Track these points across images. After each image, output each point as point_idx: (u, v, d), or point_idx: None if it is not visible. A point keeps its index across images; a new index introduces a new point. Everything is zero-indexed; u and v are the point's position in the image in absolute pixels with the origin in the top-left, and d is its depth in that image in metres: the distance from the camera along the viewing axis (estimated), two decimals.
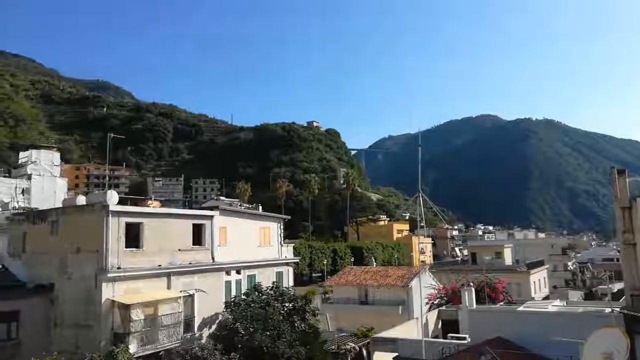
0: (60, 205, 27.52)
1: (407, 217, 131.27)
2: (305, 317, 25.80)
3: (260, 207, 49.80)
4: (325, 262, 74.90)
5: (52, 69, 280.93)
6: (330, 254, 79.48)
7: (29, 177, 70.81)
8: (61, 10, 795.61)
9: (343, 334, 32.39)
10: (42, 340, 21.80)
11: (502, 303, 26.14)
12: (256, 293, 26.95)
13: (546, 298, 46.99)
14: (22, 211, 35.18)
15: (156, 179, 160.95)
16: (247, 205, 71.11)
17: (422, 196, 22.86)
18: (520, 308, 20.42)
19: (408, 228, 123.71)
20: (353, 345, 29.41)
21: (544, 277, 57.25)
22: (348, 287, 42.09)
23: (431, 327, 26.12)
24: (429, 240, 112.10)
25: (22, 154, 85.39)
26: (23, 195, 66.36)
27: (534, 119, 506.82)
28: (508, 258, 56.08)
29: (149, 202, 41.37)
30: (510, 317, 18.93)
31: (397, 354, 20.49)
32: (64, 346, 21.33)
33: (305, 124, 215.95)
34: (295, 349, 21.67)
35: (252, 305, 25.03)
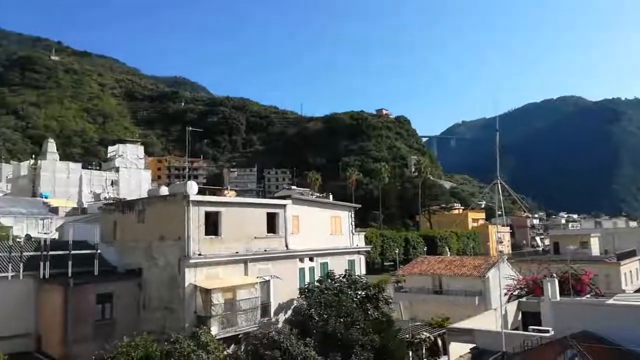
0: (146, 196, 29.31)
1: (483, 206, 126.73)
2: (378, 305, 25.77)
3: (331, 196, 50.21)
4: (397, 251, 74.25)
5: (134, 68, 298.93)
6: (402, 242, 78.63)
7: (117, 170, 76.51)
8: (141, 12, 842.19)
9: (417, 324, 32.04)
10: (132, 320, 23.49)
11: (588, 295, 24.57)
12: (329, 280, 27.29)
13: (639, 291, 43.55)
14: (112, 201, 37.87)
15: (231, 169, 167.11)
16: (318, 195, 72.00)
17: (500, 183, 21.89)
18: (610, 301, 19.04)
19: (484, 217, 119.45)
20: (428, 334, 29.01)
21: (637, 269, 53.04)
22: (421, 277, 41.50)
23: (510, 318, 25.10)
24: (507, 229, 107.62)
25: (110, 149, 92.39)
26: (112, 186, 71.79)
27: (623, 98, 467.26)
28: (595, 248, 52.52)
29: (225, 192, 43.25)
30: (598, 311, 17.70)
31: (474, 345, 19.93)
32: (152, 327, 22.82)
33: (374, 112, 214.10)
34: (368, 337, 21.73)
35: (326, 292, 25.37)
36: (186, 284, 22.46)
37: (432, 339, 28.88)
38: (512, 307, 26.07)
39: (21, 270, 22.28)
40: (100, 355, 17.77)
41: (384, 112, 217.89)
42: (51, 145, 72.89)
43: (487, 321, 23.13)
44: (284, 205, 28.41)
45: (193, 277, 22.78)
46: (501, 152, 23.62)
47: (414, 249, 78.52)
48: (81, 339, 21.69)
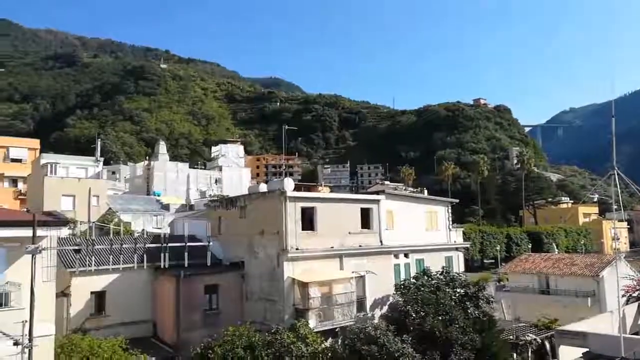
0: (246, 193, 30.75)
1: (595, 199, 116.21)
2: (478, 304, 24.79)
3: (426, 191, 49.11)
4: (498, 248, 70.65)
5: (233, 71, 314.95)
6: (504, 239, 74.62)
7: (220, 169, 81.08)
8: (237, 18, 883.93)
9: (521, 324, 30.31)
10: (236, 310, 24.87)
11: None
12: (425, 277, 26.74)
13: None
14: (216, 198, 40.19)
15: (325, 166, 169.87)
16: (412, 190, 70.69)
17: (616, 174, 19.93)
18: None
19: (597, 211, 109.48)
20: (534, 336, 27.32)
21: None
22: (526, 275, 39.10)
23: (629, 322, 22.86)
24: (625, 224, 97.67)
25: (213, 149, 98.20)
26: (216, 184, 76.31)
27: None
28: None
29: (320, 188, 43.94)
30: None
31: (587, 349, 18.43)
32: (254, 317, 23.98)
33: (471, 102, 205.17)
34: (469, 336, 20.96)
35: (422, 289, 24.91)
36: (285, 277, 23.27)
37: (539, 341, 27.13)
38: (632, 309, 23.73)
39: (145, 262, 24.46)
40: (209, 342, 19.02)
41: (482, 101, 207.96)
42: (162, 147, 79.08)
43: (601, 324, 21.32)
44: (378, 201, 28.30)
45: (291, 270, 23.54)
46: (617, 139, 21.51)
47: (517, 246, 74.14)
48: (191, 326, 23.39)
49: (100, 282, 23.58)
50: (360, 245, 26.55)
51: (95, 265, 23.08)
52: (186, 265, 24.53)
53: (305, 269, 24.00)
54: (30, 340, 11.31)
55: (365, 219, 27.42)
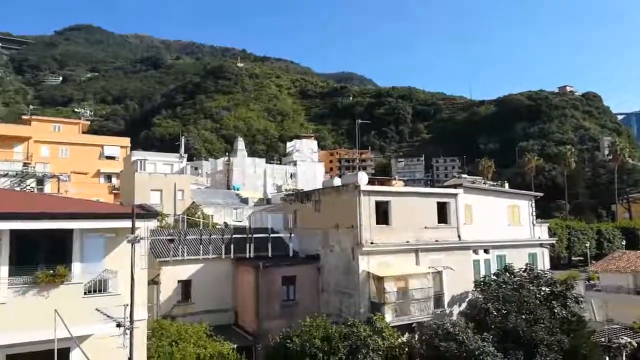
0: (320, 187, 31.16)
1: None
2: (566, 303, 23.42)
3: (507, 184, 46.89)
4: (587, 245, 66.04)
5: (307, 67, 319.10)
6: (594, 235, 69.56)
7: (295, 163, 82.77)
8: (308, 13, 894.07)
9: (614, 326, 28.21)
10: (312, 302, 25.33)
11: None
12: (507, 274, 25.69)
13: None
14: (292, 192, 41.09)
15: (398, 159, 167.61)
16: (492, 183, 67.77)
17: None
18: None
19: None
20: (628, 339, 25.33)
21: None
22: (619, 274, 36.30)
23: None
24: None
25: (288, 144, 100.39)
26: (291, 178, 78.01)
27: None
28: None
29: (393, 182, 43.50)
30: None
31: None
32: (330, 309, 24.31)
33: (556, 90, 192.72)
34: (555, 337, 19.89)
35: (504, 286, 23.95)
36: (360, 271, 23.35)
37: (635, 345, 25.11)
38: None
39: (231, 252, 25.53)
40: (287, 332, 19.56)
41: (568, 89, 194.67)
42: (240, 144, 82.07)
43: None
44: (455, 195, 27.52)
45: (366, 264, 23.57)
46: None
47: (609, 243, 68.85)
48: (270, 316, 24.17)
49: (186, 271, 25.03)
50: (436, 240, 26.01)
51: (185, 255, 24.61)
52: (269, 256, 25.44)
53: (380, 263, 23.93)
54: (131, 322, 12.35)
55: (442, 214, 26.78)
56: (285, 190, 58.01)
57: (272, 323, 23.38)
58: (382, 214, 24.91)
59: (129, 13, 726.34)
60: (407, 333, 22.45)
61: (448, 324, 20.35)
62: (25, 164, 39.94)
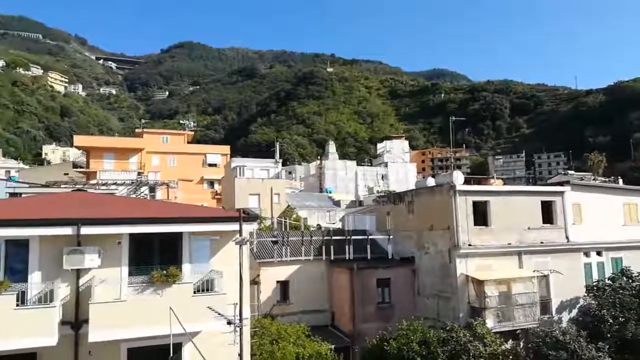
0: (413, 187, 30.64)
1: None
2: None
3: (620, 180, 42.80)
4: None
5: (396, 67, 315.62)
6: None
7: (386, 165, 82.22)
8: (398, 13, 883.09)
9: None
10: (407, 305, 24.98)
11: None
12: (624, 278, 23.45)
13: None
14: (384, 194, 40.88)
15: (496, 157, 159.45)
16: (603, 179, 62.10)
17: None
18: None
19: None
20: None
21: None
22: None
23: None
24: None
25: (379, 145, 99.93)
26: (383, 180, 77.62)
27: None
28: None
29: (491, 180, 41.51)
30: None
31: None
32: (426, 313, 23.81)
33: None
34: None
35: (621, 292, 21.89)
36: (458, 274, 22.62)
37: None
38: None
39: (328, 254, 26.08)
40: (384, 334, 19.49)
41: None
42: (331, 147, 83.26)
43: None
44: (562, 192, 25.65)
45: (464, 267, 22.77)
46: None
47: None
48: (365, 318, 24.23)
49: (284, 272, 25.92)
50: (541, 242, 24.43)
51: (288, 256, 25.60)
52: (363, 258, 25.61)
53: (479, 266, 23.00)
54: (240, 320, 13.12)
55: (547, 213, 25.10)
56: (377, 192, 57.80)
57: (368, 325, 23.43)
58: (481, 215, 23.92)
59: (225, 28, 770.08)
60: (510, 340, 21.30)
61: (557, 332, 19.00)
62: (139, 173, 43.94)
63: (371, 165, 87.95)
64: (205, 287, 13.62)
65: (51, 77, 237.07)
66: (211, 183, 62.01)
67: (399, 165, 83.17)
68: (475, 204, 23.70)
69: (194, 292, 13.27)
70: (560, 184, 27.66)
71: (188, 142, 68.21)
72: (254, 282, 24.43)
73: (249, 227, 14.58)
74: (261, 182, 49.12)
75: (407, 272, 25.92)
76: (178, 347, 13.29)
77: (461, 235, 22.91)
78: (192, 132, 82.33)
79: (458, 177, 24.47)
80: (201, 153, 64.00)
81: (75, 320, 12.63)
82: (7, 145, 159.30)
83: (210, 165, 63.11)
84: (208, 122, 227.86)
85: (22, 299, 11.89)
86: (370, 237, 28.32)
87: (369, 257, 26.57)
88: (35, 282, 12.42)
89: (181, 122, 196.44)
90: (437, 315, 23.43)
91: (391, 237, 28.13)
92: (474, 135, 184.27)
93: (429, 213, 25.18)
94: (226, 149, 67.43)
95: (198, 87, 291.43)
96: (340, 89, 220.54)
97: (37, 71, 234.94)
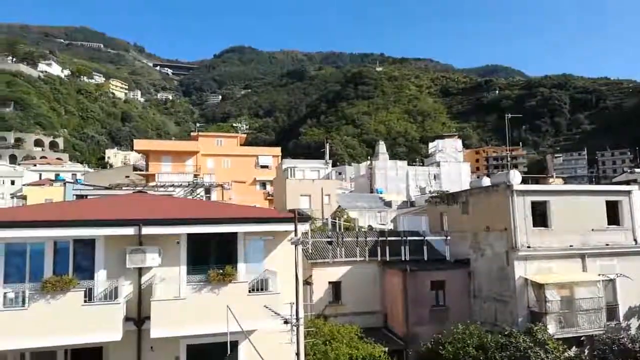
0: (467, 187, 29.83)
1: None
2: None
3: None
4: None
5: (447, 65, 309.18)
6: None
7: (438, 164, 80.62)
8: (449, 13, 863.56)
9: None
10: (463, 309, 24.32)
11: None
12: None
13: None
14: (436, 194, 40.07)
15: (555, 155, 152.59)
16: None
17: None
18: None
19: None
20: None
21: None
22: None
23: None
24: None
25: (430, 145, 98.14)
26: (435, 180, 76.15)
27: None
28: None
29: (550, 180, 39.75)
30: None
31: None
32: (483, 317, 23.10)
33: None
34: None
35: None
36: (516, 277, 21.79)
37: None
38: None
39: (387, 254, 25.92)
40: (439, 338, 19.07)
41: None
42: (382, 147, 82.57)
43: None
44: (628, 192, 24.16)
45: (523, 270, 21.92)
46: None
47: None
48: (419, 321, 23.81)
49: (336, 273, 25.93)
50: (607, 244, 23.10)
51: (340, 256, 25.64)
52: (416, 259, 25.23)
53: (539, 269, 22.05)
54: (297, 320, 13.27)
55: (613, 214, 23.71)
56: (429, 192, 56.73)
57: (422, 328, 23.02)
58: (540, 216, 22.92)
59: (274, 32, 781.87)
60: (574, 347, 20.29)
61: (625, 339, 17.93)
62: (195, 175, 45.37)
63: (423, 165, 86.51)
64: (259, 286, 13.84)
65: (112, 85, 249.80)
66: (263, 184, 63.09)
67: (451, 165, 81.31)
68: (534, 204, 22.75)
69: (249, 291, 13.52)
70: (627, 182, 26.11)
71: (241, 145, 69.74)
72: (307, 282, 24.59)
73: (301, 228, 14.71)
74: (312, 183, 49.43)
75: (462, 274, 25.24)
76: (234, 344, 13.58)
77: (519, 236, 22.07)
78: (245, 135, 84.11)
79: (515, 176, 23.58)
80: (253, 155, 65.27)
81: (138, 317, 13.18)
82: (74, 150, 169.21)
83: (262, 166, 64.23)
84: (259, 125, 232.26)
85: (89, 296, 12.54)
86: (422, 237, 27.82)
87: (425, 259, 26.07)
88: (101, 279, 13.07)
89: (234, 125, 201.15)
90: (495, 319, 22.68)
91: (448, 238, 27.47)
92: (532, 133, 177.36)
93: (484, 214, 24.43)
94: (277, 150, 68.39)
95: (249, 90, 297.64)
96: (390, 88, 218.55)
97: (99, 79, 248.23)
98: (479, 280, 24.58)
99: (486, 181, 27.19)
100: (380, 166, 74.64)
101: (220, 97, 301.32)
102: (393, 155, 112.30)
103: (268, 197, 60.58)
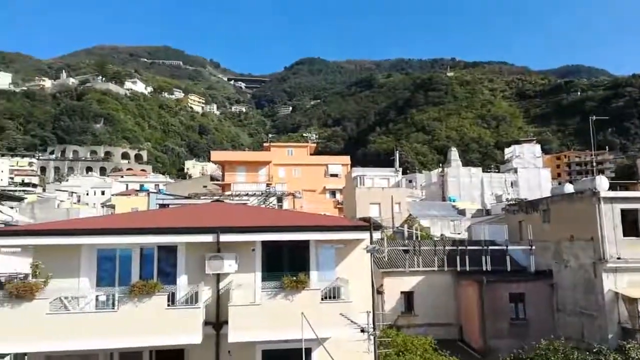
0: (549, 195, 28.26)
1: None
2: None
3: None
4: None
5: (523, 67, 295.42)
6: None
7: (515, 171, 76.97)
8: (524, 13, 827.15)
9: None
10: (545, 323, 22.96)
11: None
12: None
13: None
14: (514, 202, 38.29)
15: None
16: None
17: None
18: None
19: None
20: None
21: None
22: None
23: None
24: None
25: (506, 151, 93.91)
26: (512, 187, 72.72)
27: None
28: None
29: None
30: None
31: None
32: (568, 332, 21.66)
33: None
34: None
35: None
36: (605, 290, 20.29)
37: None
38: None
39: (466, 264, 25.04)
40: (519, 353, 18.13)
41: None
42: (454, 154, 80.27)
43: None
44: None
45: (612, 283, 20.38)
46: None
47: None
48: (497, 334, 22.78)
49: (408, 282, 25.49)
50: None
51: (417, 265, 25.13)
52: (493, 270, 24.14)
53: (631, 282, 20.41)
54: (374, 329, 13.21)
55: None
56: (506, 200, 54.26)
57: (500, 342, 22.02)
58: (631, 224, 21.23)
59: (342, 42, 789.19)
60: None
61: None
62: (267, 184, 46.61)
63: (498, 172, 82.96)
64: (331, 294, 13.90)
65: (191, 99, 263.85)
66: (333, 193, 63.48)
67: (530, 171, 77.31)
68: (624, 212, 21.13)
69: (321, 299, 13.62)
70: None
71: (310, 154, 70.72)
72: (378, 291, 24.37)
73: (373, 237, 14.63)
74: (381, 191, 49.03)
75: (544, 286, 23.89)
76: (307, 352, 13.71)
77: (608, 247, 20.55)
78: (314, 144, 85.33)
79: (602, 182, 22.05)
80: (323, 164, 65.93)
81: (217, 321, 13.71)
82: (156, 161, 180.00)
83: (331, 175, 64.70)
84: (328, 134, 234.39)
85: (171, 300, 13.23)
86: (500, 247, 26.61)
87: (499, 270, 24.93)
88: (182, 284, 13.76)
89: (304, 134, 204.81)
90: (581, 335, 21.22)
91: (533, 248, 26.09)
92: (618, 136, 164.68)
93: (567, 222, 23.01)
94: (346, 159, 68.61)
95: (319, 100, 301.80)
96: (461, 93, 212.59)
97: (179, 94, 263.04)
98: (562, 293, 23.15)
99: (569, 188, 25.64)
100: (453, 173, 72.53)
101: (290, 108, 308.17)
102: (466, 162, 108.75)
103: (338, 206, 60.83)
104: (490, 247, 26.16)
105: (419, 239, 26.74)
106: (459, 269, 25.23)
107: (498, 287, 23.41)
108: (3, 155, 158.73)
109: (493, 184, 73.50)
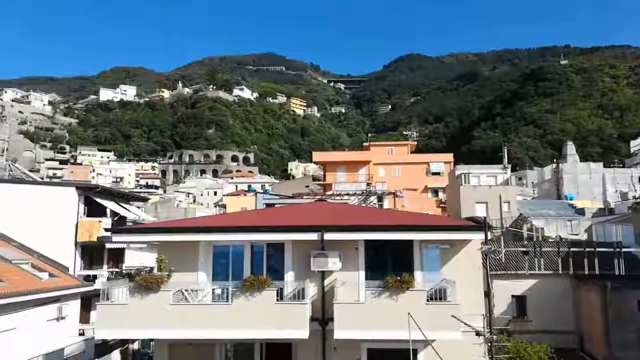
0: None
1: None
2: None
3: None
4: None
5: None
6: None
7: None
8: None
9: None
10: None
11: None
12: None
13: None
14: None
15: None
16: None
17: None
18: None
19: None
20: None
21: None
22: None
23: None
24: None
25: (632, 143, 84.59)
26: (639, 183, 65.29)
27: None
28: None
29: None
30: None
31: None
32: None
33: None
34: None
35: None
36: None
37: None
38: None
39: (586, 268, 23.43)
40: None
41: None
42: (570, 148, 74.12)
43: None
44: None
45: None
46: None
47: None
48: (625, 345, 20.61)
49: (520, 286, 24.03)
50: None
51: (538, 268, 23.85)
52: (620, 275, 22.06)
53: None
54: (491, 333, 12.72)
55: None
56: (633, 197, 48.85)
57: (628, 353, 19.93)
58: None
59: (443, 36, 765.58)
60: None
61: None
62: (367, 184, 46.74)
63: (623, 167, 75.02)
64: (437, 295, 13.56)
65: (293, 103, 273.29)
66: (435, 191, 61.83)
67: None
68: None
69: (427, 300, 13.36)
70: None
71: (411, 152, 69.52)
72: (486, 294, 23.31)
73: (479, 237, 14.01)
74: (488, 190, 46.70)
75: None
76: (414, 352, 13.54)
77: None
78: (415, 142, 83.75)
79: None
80: (424, 162, 64.52)
81: (322, 318, 14.07)
82: (262, 163, 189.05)
83: (433, 173, 63.07)
84: (429, 131, 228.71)
85: (280, 295, 13.80)
86: (628, 250, 24.13)
87: (628, 274, 22.62)
88: (289, 280, 14.32)
89: (404, 133, 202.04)
90: None
91: None
92: None
93: None
94: (449, 156, 66.46)
95: (419, 97, 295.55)
96: (578, 82, 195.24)
97: (281, 99, 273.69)
98: None
99: None
100: (569, 169, 66.98)
101: (389, 106, 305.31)
102: (584, 157, 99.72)
103: (440, 205, 59.09)
104: (622, 250, 23.88)
105: (540, 239, 25.17)
106: (586, 272, 23.41)
107: (625, 293, 21.17)
108: (130, 160, 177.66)
109: (617, 180, 66.57)
